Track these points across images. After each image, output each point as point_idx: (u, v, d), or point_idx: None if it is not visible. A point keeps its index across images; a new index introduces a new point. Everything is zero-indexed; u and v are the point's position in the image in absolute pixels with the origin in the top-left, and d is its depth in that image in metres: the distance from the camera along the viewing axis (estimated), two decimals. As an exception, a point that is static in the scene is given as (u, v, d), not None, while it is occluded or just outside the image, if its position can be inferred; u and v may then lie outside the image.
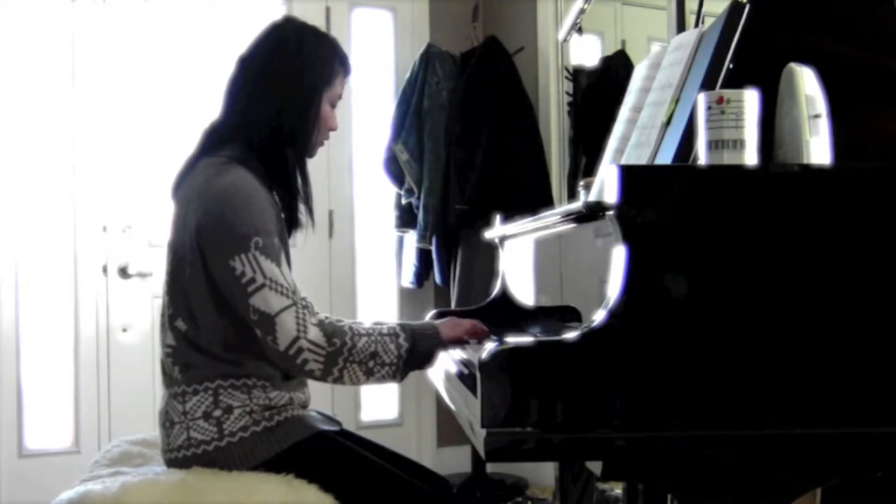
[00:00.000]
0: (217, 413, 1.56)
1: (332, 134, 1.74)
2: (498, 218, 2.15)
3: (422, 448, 3.82)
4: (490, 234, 2.16)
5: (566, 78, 3.42)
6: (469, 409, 1.26)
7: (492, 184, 3.38)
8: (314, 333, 1.49)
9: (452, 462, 3.77)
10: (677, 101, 1.40)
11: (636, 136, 1.51)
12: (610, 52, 3.26)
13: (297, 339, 1.48)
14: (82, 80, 3.21)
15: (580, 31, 2.83)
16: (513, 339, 1.08)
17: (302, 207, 1.71)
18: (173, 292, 1.62)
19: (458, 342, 1.65)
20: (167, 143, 3.24)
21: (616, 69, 3.14)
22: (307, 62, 1.65)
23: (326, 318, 1.54)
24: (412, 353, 1.56)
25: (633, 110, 1.59)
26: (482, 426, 1.06)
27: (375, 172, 3.69)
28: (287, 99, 1.64)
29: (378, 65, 3.84)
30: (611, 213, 1.11)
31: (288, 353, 1.48)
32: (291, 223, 1.70)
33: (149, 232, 3.26)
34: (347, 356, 1.50)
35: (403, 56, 3.82)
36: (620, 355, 1.06)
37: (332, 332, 1.50)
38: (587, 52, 3.34)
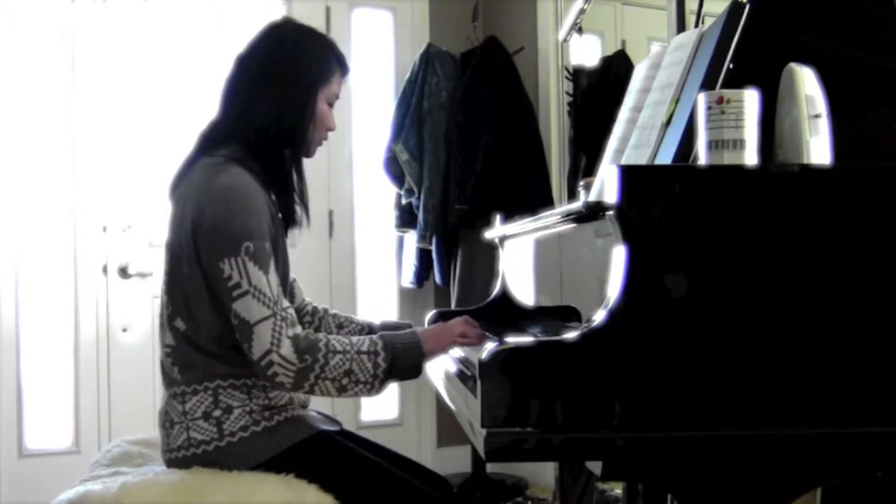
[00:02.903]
0: (217, 413, 1.56)
1: (332, 134, 1.74)
2: (498, 218, 2.15)
3: (422, 448, 3.82)
4: (490, 234, 2.16)
5: (566, 78, 3.42)
6: (469, 409, 1.26)
7: (492, 184, 3.39)
8: (286, 348, 1.48)
9: (452, 462, 3.77)
10: (677, 101, 1.40)
11: (636, 136, 1.51)
12: (610, 52, 3.26)
13: (269, 351, 1.47)
14: (82, 80, 3.21)
15: (580, 31, 2.84)
16: (513, 339, 1.08)
17: (298, 207, 1.71)
18: (172, 292, 1.62)
19: (446, 351, 1.64)
20: (167, 143, 3.24)
21: (616, 69, 3.14)
22: (303, 61, 1.65)
23: (305, 329, 1.52)
24: (390, 371, 1.54)
25: (633, 110, 1.59)
26: (482, 426, 1.06)
27: (375, 172, 3.69)
28: (283, 98, 1.64)
29: (378, 65, 3.84)
30: (611, 213, 1.11)
31: (260, 363, 1.48)
32: (288, 222, 1.70)
33: (149, 232, 3.26)
34: (319, 373, 1.49)
35: (403, 56, 3.82)
36: (620, 355, 1.06)
37: (305, 348, 1.49)
38: (587, 52, 3.34)
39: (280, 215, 1.66)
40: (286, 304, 1.53)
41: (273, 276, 1.52)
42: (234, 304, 1.49)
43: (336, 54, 1.70)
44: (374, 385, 1.54)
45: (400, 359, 1.54)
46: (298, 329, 1.52)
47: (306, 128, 1.67)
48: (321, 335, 1.53)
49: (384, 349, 1.54)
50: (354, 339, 1.55)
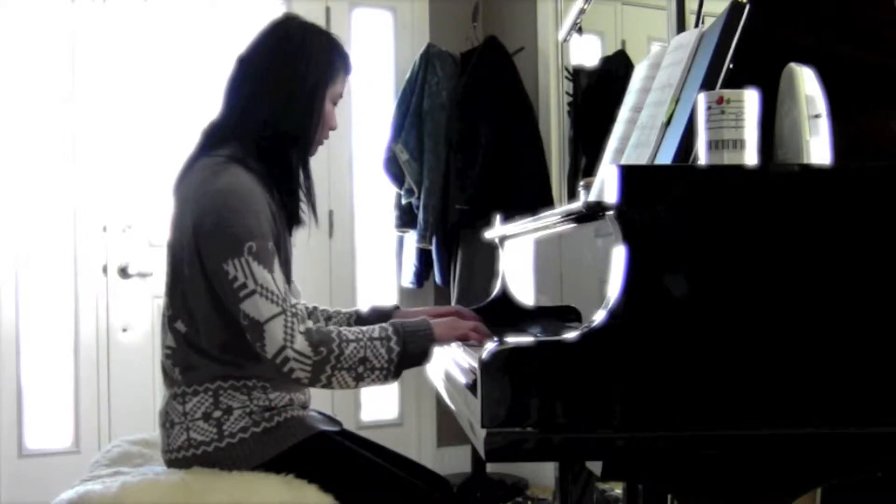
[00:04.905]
0: (217, 414, 1.56)
1: (332, 133, 1.73)
2: (498, 218, 2.15)
3: (422, 448, 3.82)
4: (490, 234, 2.16)
5: (566, 78, 3.42)
6: (469, 409, 1.26)
7: (492, 184, 3.39)
8: (300, 343, 1.47)
9: (452, 462, 3.77)
10: (677, 101, 1.40)
11: (636, 136, 1.51)
12: (610, 52, 3.26)
13: (283, 347, 1.47)
14: (82, 80, 3.21)
15: (580, 31, 2.83)
16: (513, 339, 1.08)
17: (305, 206, 1.71)
18: (173, 293, 1.62)
19: (455, 340, 1.64)
20: (167, 142, 3.25)
21: (616, 69, 3.14)
22: (310, 60, 1.63)
23: (317, 322, 1.52)
24: (404, 355, 1.54)
25: (633, 110, 1.59)
26: (482, 426, 1.06)
27: (375, 172, 3.69)
28: (290, 98, 1.63)
29: (378, 65, 3.84)
30: (611, 213, 1.11)
31: (275, 361, 1.48)
32: (292, 221, 1.70)
33: (149, 232, 3.26)
34: (335, 364, 1.49)
35: (403, 56, 3.82)
36: (620, 355, 1.06)
37: (318, 340, 1.49)
38: (587, 52, 3.34)
39: (283, 215, 1.66)
40: (293, 300, 1.53)
41: (278, 274, 1.52)
42: (241, 304, 1.49)
43: (341, 53, 1.69)
44: (390, 370, 1.53)
45: (411, 342, 1.54)
46: (309, 323, 1.52)
47: (314, 128, 1.66)
48: (332, 327, 1.53)
49: (395, 333, 1.54)
50: (364, 327, 1.56)
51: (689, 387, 1.07)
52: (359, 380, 1.52)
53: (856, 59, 1.46)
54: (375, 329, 1.55)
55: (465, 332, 1.62)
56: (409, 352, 1.54)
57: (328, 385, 1.52)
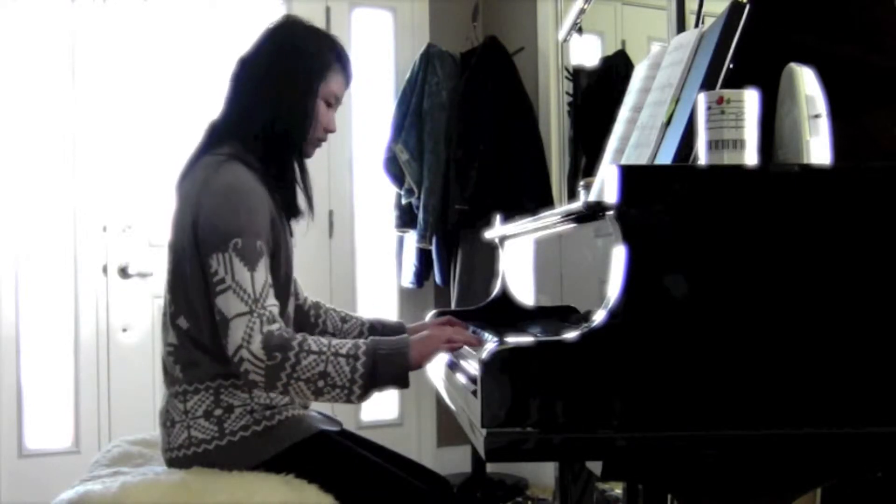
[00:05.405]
0: (218, 412, 1.56)
1: (332, 134, 1.74)
2: (498, 218, 2.15)
3: (422, 448, 3.82)
4: (490, 234, 2.16)
5: (566, 78, 3.42)
6: (469, 409, 1.26)
7: (492, 184, 3.39)
8: (256, 345, 1.44)
9: (452, 462, 3.77)
10: (677, 101, 1.40)
11: (636, 136, 1.51)
12: (610, 52, 3.26)
13: (240, 347, 1.45)
14: (82, 80, 3.21)
15: (580, 31, 2.83)
16: (513, 339, 1.08)
17: (302, 202, 1.71)
18: (174, 290, 1.62)
19: (433, 359, 1.56)
20: (167, 142, 3.25)
21: (616, 69, 3.15)
22: (299, 56, 1.65)
23: (281, 328, 1.47)
24: (371, 377, 1.47)
25: (634, 110, 1.59)
26: (482, 426, 1.06)
27: (375, 172, 3.69)
28: (282, 95, 1.64)
29: (378, 65, 3.84)
30: (611, 213, 1.11)
31: (233, 359, 1.46)
32: (290, 212, 1.69)
33: (149, 232, 3.26)
34: (290, 372, 1.45)
35: (403, 56, 3.82)
36: (620, 355, 1.06)
37: (276, 345, 1.45)
38: (587, 52, 3.34)
39: (283, 211, 1.66)
40: (270, 302, 1.50)
41: (260, 275, 1.50)
42: (216, 298, 1.49)
43: (335, 50, 1.69)
44: (353, 390, 1.47)
45: (382, 365, 1.48)
46: (275, 326, 1.48)
47: (303, 128, 1.66)
48: (299, 335, 1.49)
49: (365, 354, 1.47)
50: (336, 340, 1.51)
51: (689, 387, 1.07)
52: (318, 394, 1.47)
53: (856, 59, 1.46)
54: (346, 344, 1.49)
55: (438, 346, 1.53)
56: (380, 374, 1.47)
57: (285, 393, 1.50)
